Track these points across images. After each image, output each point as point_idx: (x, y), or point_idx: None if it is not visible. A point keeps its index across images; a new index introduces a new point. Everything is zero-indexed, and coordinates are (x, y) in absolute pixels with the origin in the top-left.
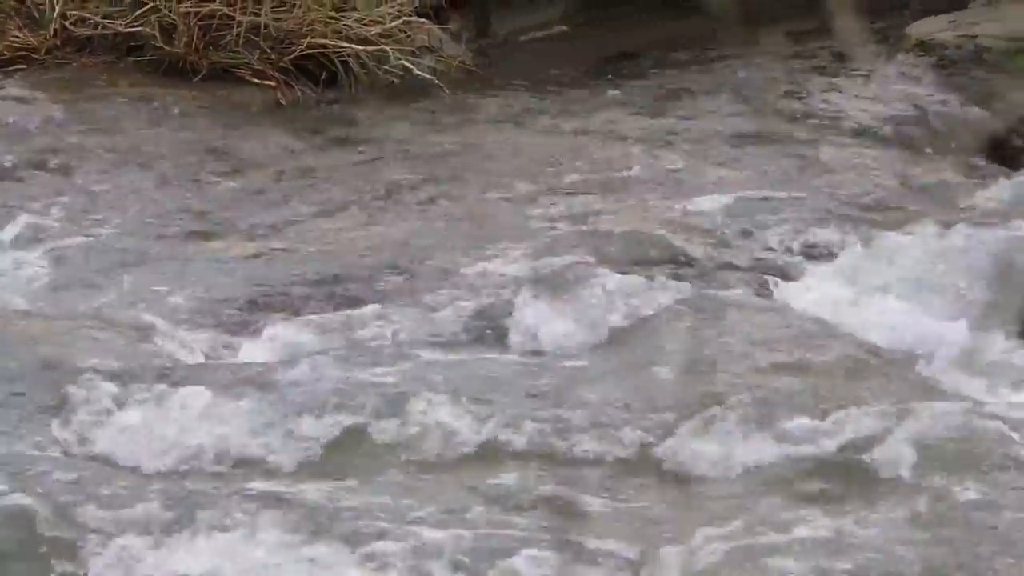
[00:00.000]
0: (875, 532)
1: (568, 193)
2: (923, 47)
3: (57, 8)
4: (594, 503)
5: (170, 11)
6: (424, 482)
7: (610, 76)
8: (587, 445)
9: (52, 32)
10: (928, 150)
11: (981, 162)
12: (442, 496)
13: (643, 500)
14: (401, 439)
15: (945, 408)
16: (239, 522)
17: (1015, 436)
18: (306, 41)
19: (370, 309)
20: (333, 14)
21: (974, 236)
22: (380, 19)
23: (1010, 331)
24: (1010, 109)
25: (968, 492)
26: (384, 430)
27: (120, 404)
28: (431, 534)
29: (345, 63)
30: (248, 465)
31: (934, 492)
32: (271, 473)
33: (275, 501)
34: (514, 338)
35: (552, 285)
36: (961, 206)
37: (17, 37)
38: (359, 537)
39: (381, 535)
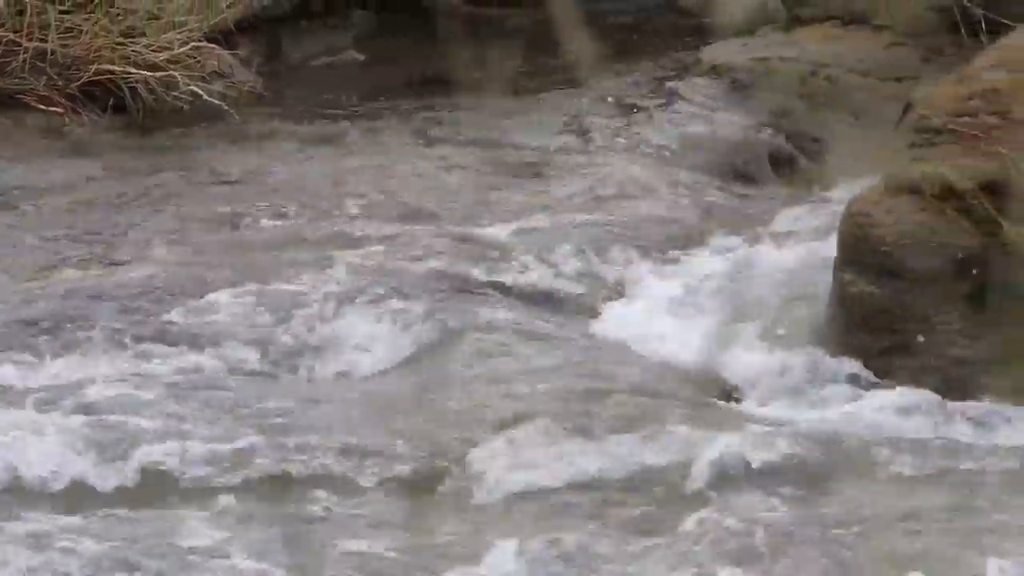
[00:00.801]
0: (681, 552)
1: (358, 220)
2: (717, 71)
3: None
4: (386, 528)
5: None
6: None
7: (402, 102)
8: (373, 470)
9: None
10: (724, 173)
11: (775, 184)
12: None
13: (436, 524)
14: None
15: (745, 429)
16: None
17: (815, 454)
18: (93, 67)
19: (140, 342)
20: (121, 40)
21: (769, 257)
22: (168, 45)
23: (805, 350)
24: (802, 131)
25: (774, 509)
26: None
27: None
28: None
29: (133, 89)
30: None
31: (739, 511)
32: None
33: None
34: (299, 366)
35: (338, 313)
36: (756, 227)
37: None
38: None
39: None
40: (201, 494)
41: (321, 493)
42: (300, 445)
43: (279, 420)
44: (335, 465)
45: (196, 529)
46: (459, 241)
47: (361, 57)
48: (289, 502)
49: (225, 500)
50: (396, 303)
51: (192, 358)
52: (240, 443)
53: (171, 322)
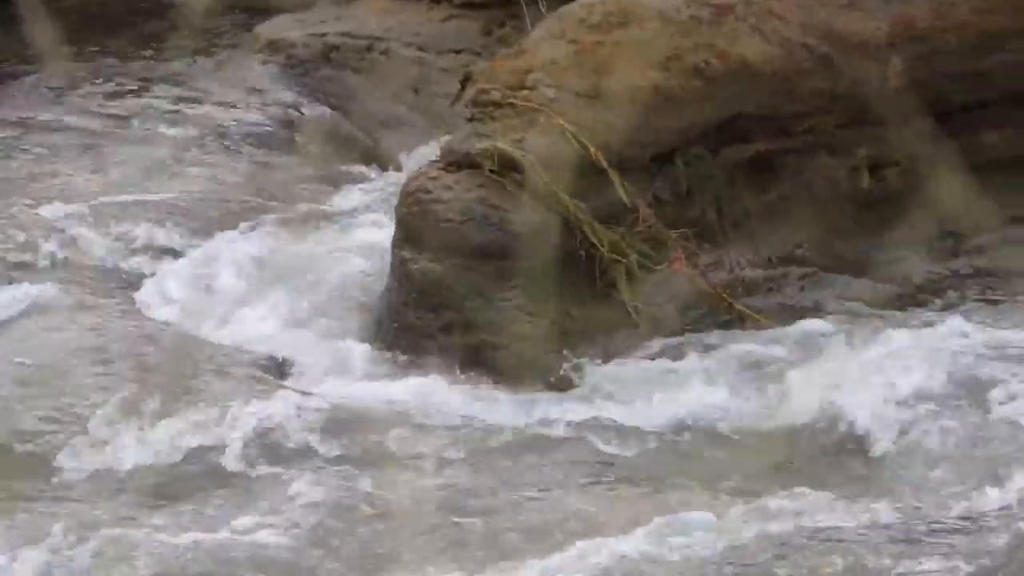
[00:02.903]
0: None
1: None
2: (273, 47)
3: None
4: None
5: None
6: None
7: None
8: None
9: None
10: (280, 151)
11: (333, 161)
12: None
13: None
14: None
15: (290, 409)
16: None
17: (363, 434)
18: None
19: None
20: None
21: (327, 235)
22: None
23: (359, 329)
24: (360, 108)
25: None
26: None
27: None
28: None
29: None
30: None
31: (278, 485)
32: None
33: None
34: None
35: None
36: (313, 205)
37: None
38: None
39: None
40: None
41: None
42: None
43: None
44: None
45: None
46: (14, 219)
47: None
48: None
49: None
50: None
51: None
52: None
53: None
